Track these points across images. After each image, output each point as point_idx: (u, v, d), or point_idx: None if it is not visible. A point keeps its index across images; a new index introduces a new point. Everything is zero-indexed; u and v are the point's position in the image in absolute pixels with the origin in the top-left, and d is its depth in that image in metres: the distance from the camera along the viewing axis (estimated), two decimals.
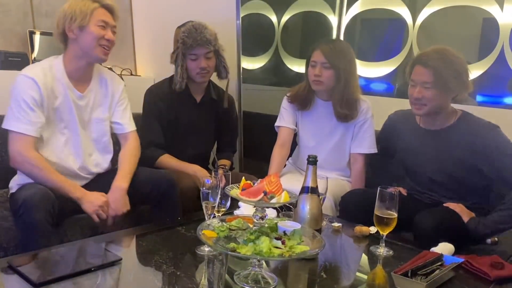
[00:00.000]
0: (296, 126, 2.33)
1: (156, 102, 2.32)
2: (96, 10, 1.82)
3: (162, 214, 1.92)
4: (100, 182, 1.94)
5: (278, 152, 2.27)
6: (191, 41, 2.21)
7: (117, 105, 2.02)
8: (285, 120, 2.31)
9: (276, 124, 2.35)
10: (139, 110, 2.33)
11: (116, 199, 1.83)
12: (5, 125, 1.77)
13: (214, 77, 2.44)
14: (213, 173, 1.54)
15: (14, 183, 1.86)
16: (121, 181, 1.89)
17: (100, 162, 1.99)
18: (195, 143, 2.38)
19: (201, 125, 2.41)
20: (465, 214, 1.79)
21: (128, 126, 2.05)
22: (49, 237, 1.63)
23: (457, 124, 1.90)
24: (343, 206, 2.00)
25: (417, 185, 2.02)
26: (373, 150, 2.23)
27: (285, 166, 2.46)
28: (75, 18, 1.79)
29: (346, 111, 2.18)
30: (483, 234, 1.77)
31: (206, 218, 1.45)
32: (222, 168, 2.32)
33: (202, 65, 2.25)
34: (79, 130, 1.90)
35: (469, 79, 1.85)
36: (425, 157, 1.96)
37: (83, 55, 1.85)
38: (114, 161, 2.05)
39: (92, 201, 1.77)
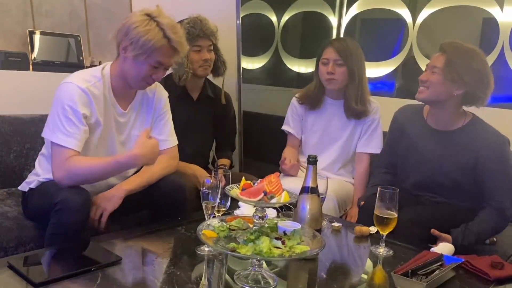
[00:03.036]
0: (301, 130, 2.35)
1: None
2: (160, 50, 1.61)
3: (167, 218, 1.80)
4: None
5: (289, 150, 2.32)
6: (198, 31, 2.20)
7: (157, 119, 1.87)
8: (291, 126, 2.34)
9: (284, 128, 2.36)
10: None
11: (105, 195, 1.68)
12: (49, 136, 1.61)
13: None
14: (213, 173, 1.54)
15: (35, 179, 1.73)
16: (124, 183, 1.73)
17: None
18: (193, 141, 2.37)
19: (199, 123, 2.40)
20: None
21: (165, 143, 1.86)
22: (77, 239, 1.53)
23: (465, 128, 1.87)
24: (364, 211, 1.96)
25: (413, 184, 2.01)
26: (379, 150, 2.24)
27: None
28: (134, 46, 1.60)
29: (361, 107, 2.20)
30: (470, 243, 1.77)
31: (206, 218, 1.45)
32: (222, 167, 2.31)
33: (206, 56, 2.24)
34: (116, 148, 1.77)
35: (490, 86, 1.80)
36: (429, 156, 1.93)
37: (124, 77, 1.70)
38: None
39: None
